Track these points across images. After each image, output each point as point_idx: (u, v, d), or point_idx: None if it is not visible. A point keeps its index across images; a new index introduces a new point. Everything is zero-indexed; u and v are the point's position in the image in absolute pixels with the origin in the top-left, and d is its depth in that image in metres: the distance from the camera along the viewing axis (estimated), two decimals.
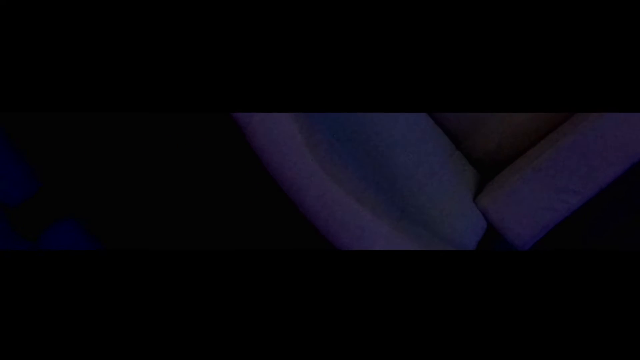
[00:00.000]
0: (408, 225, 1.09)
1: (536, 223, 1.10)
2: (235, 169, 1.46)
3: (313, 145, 1.05)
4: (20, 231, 1.21)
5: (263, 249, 1.42)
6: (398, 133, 1.24)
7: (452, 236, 1.15)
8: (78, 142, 1.47)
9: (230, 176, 1.47)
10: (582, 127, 1.07)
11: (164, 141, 1.48)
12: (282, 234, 1.43)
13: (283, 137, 1.04)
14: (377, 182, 1.13)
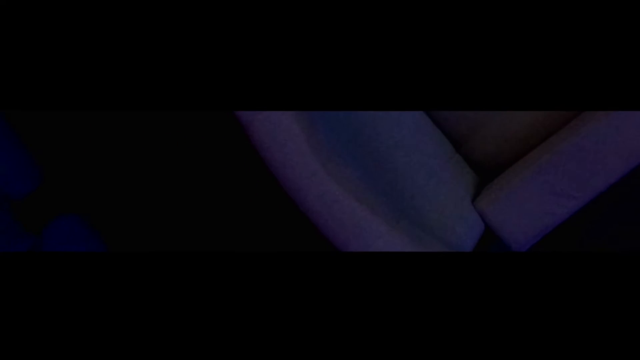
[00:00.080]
0: (407, 225, 1.09)
1: (533, 226, 1.10)
2: (237, 166, 1.46)
3: (315, 145, 1.05)
4: (23, 224, 1.22)
5: (263, 248, 1.43)
6: (399, 135, 1.25)
7: (450, 237, 1.16)
8: (82, 137, 1.48)
9: (232, 173, 1.47)
10: (581, 132, 1.07)
11: (167, 138, 1.49)
12: (283, 232, 1.44)
13: (285, 136, 1.05)
14: (377, 183, 1.13)
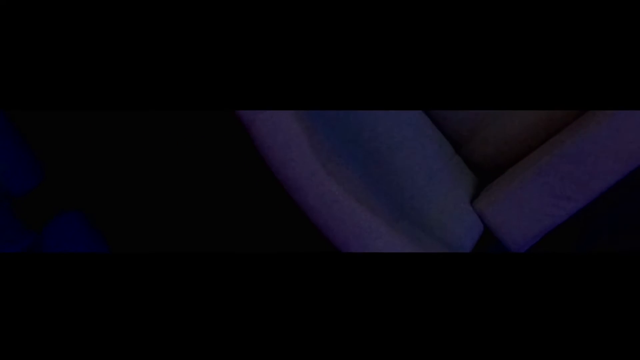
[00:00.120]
0: (407, 226, 1.09)
1: (532, 227, 1.11)
2: (238, 165, 1.47)
3: (315, 145, 1.06)
4: (24, 222, 1.22)
5: (263, 248, 1.43)
6: (399, 135, 1.25)
7: (449, 238, 1.17)
8: (84, 134, 1.48)
9: (233, 172, 1.47)
10: (580, 135, 1.07)
11: (168, 137, 1.49)
12: (283, 232, 1.44)
13: (286, 136, 1.05)
14: (377, 183, 1.13)
